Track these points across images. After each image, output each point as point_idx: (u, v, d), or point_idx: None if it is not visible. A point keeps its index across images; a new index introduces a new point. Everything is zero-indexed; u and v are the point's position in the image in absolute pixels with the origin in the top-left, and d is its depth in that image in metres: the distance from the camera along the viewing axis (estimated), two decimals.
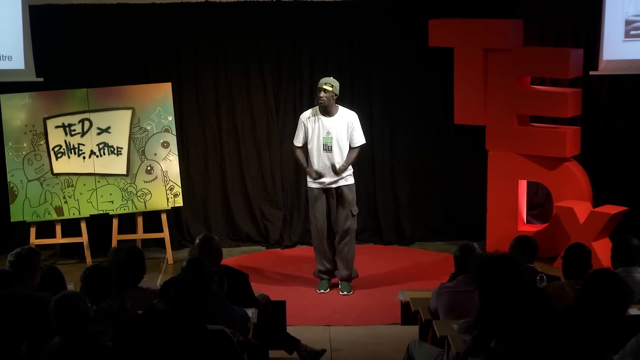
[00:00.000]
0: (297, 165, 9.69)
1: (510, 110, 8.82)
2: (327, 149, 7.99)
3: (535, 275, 5.57)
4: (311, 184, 8.11)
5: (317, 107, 8.03)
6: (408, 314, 6.58)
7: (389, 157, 9.72)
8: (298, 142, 8.16)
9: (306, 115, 8.11)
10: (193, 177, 9.66)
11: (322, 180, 8.01)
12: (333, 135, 7.98)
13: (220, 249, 6.18)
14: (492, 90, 8.84)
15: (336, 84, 7.95)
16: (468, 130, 9.41)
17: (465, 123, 9.10)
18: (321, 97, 7.90)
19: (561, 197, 8.77)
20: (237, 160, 9.70)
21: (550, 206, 9.20)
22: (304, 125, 8.07)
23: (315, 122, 8.02)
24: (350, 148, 8.03)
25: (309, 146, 8.08)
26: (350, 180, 8.10)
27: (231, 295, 5.69)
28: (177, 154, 9.10)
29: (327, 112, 7.99)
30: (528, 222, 9.27)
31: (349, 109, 8.09)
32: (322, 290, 8.24)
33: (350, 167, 8.07)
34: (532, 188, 9.44)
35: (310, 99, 9.54)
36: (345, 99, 9.15)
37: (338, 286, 8.26)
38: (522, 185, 9.06)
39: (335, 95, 7.95)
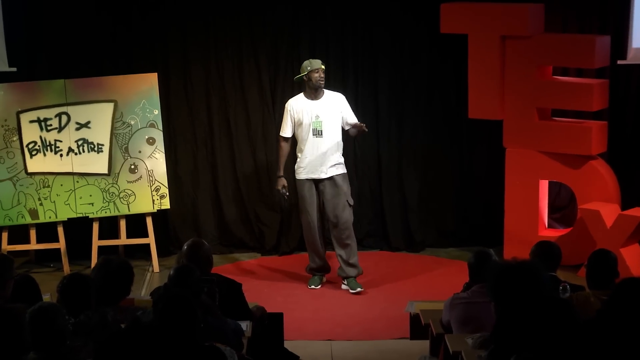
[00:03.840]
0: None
1: (530, 103, 8.83)
2: (317, 133, 8.27)
3: (558, 284, 5.57)
4: (301, 175, 8.35)
5: (302, 92, 8.38)
6: (418, 328, 6.58)
7: (397, 155, 9.72)
8: (285, 132, 8.44)
9: (292, 102, 8.42)
10: (181, 177, 9.66)
11: (316, 171, 8.27)
12: (322, 118, 8.27)
13: (210, 256, 6.19)
14: (510, 81, 8.85)
15: None
16: (483, 126, 9.40)
17: (480, 117, 9.11)
18: (322, 77, 8.27)
19: (586, 198, 8.77)
20: (229, 158, 9.70)
21: (574, 209, 9.20)
22: (290, 112, 8.35)
23: (302, 107, 8.33)
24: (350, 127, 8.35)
25: (297, 134, 8.36)
26: (342, 170, 8.38)
27: (223, 307, 5.69)
28: (163, 151, 9.11)
29: (315, 95, 8.29)
30: (550, 226, 9.27)
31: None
32: (313, 286, 8.53)
33: (341, 155, 8.35)
34: (554, 189, 9.44)
35: None
36: (349, 91, 9.17)
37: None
38: (543, 186, 9.06)
39: None
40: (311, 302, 8.31)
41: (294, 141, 8.52)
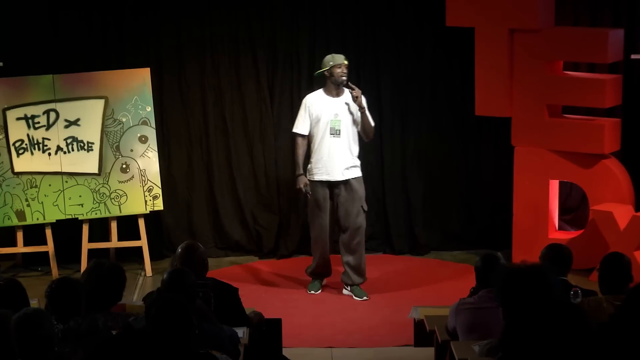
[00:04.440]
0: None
1: (539, 99, 8.82)
2: (335, 132, 8.19)
3: (569, 289, 5.57)
4: (315, 176, 8.26)
5: (322, 89, 8.28)
6: (422, 334, 6.58)
7: (400, 154, 9.72)
8: (301, 129, 8.30)
9: (310, 97, 8.33)
10: (175, 177, 9.66)
11: (332, 173, 8.20)
12: (341, 117, 8.18)
13: (206, 259, 6.18)
14: (519, 77, 8.84)
15: None
16: (491, 123, 9.40)
17: (487, 115, 9.10)
18: (345, 72, 8.20)
19: (598, 199, 8.76)
20: (225, 157, 9.70)
21: (585, 210, 9.19)
22: (309, 109, 8.24)
23: (321, 104, 8.24)
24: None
25: (313, 132, 8.27)
26: (358, 173, 8.31)
27: (219, 312, 5.69)
28: (156, 150, 9.10)
29: (336, 92, 8.21)
30: (560, 228, 9.27)
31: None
32: (313, 291, 8.51)
33: (358, 158, 8.28)
34: (565, 189, 9.43)
35: (309, 86, 9.52)
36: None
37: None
38: (554, 186, 9.06)
39: None
40: (311, 307, 8.31)
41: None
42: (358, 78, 9.53)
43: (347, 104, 8.23)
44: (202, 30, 9.52)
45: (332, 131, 8.20)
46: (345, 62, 8.22)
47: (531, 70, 8.77)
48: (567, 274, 5.94)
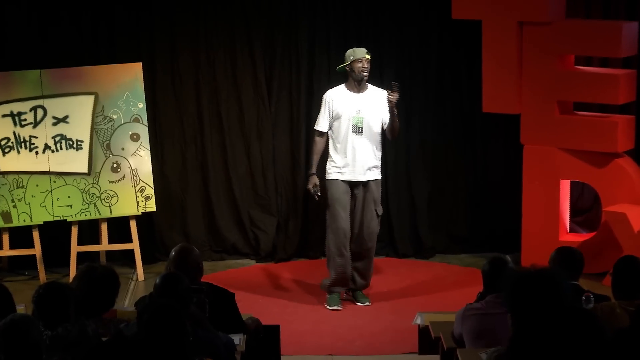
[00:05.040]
0: (294, 161, 9.71)
1: (550, 96, 8.82)
2: (357, 130, 8.12)
3: (581, 294, 5.56)
4: (335, 175, 8.17)
5: (344, 84, 8.22)
6: (427, 341, 6.58)
7: (404, 153, 9.72)
8: (322, 126, 8.25)
9: (331, 93, 8.25)
10: (168, 177, 9.66)
11: (353, 172, 8.13)
12: (364, 114, 8.11)
13: (200, 263, 6.18)
14: (528, 71, 8.84)
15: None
16: (499, 121, 9.40)
17: (495, 111, 9.10)
18: (366, 67, 8.12)
19: (611, 200, 8.77)
20: (221, 156, 9.70)
21: (598, 211, 9.20)
22: (329, 105, 8.18)
23: (343, 100, 8.17)
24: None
25: (334, 129, 8.19)
26: (379, 175, 8.26)
27: (214, 319, 5.69)
28: (149, 148, 9.10)
29: (358, 88, 8.16)
30: (571, 230, 9.27)
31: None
32: (335, 307, 8.28)
33: (380, 158, 8.24)
34: (577, 190, 9.44)
35: (309, 82, 9.56)
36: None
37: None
38: (565, 187, 9.06)
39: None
40: (310, 313, 8.31)
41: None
42: None
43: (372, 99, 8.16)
44: (196, 23, 9.52)
45: (354, 129, 8.12)
46: (367, 57, 8.13)
47: (541, 65, 8.77)
48: (579, 279, 5.93)
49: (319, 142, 8.28)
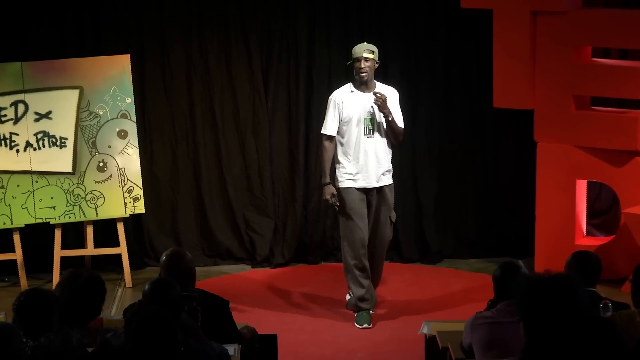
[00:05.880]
0: (293, 160, 9.72)
1: (565, 90, 8.83)
2: (369, 132, 8.02)
3: (598, 302, 5.57)
4: (348, 183, 8.06)
5: (351, 83, 8.08)
6: (434, 352, 6.58)
7: (410, 151, 9.72)
8: (330, 130, 8.09)
9: (338, 94, 8.10)
10: (158, 176, 9.67)
11: (367, 178, 8.03)
12: (375, 115, 8.02)
13: (193, 269, 6.18)
14: (542, 64, 8.85)
15: (375, 49, 8.03)
16: (511, 117, 9.41)
17: (507, 107, 9.11)
18: (362, 68, 7.94)
19: (631, 201, 8.77)
20: (214, 155, 9.71)
21: (617, 213, 9.21)
22: (338, 106, 8.05)
23: (352, 101, 8.04)
24: None
25: (343, 133, 8.05)
26: (391, 179, 8.18)
27: (207, 328, 5.70)
28: (137, 146, 9.11)
29: (366, 87, 8.04)
30: (588, 233, 9.27)
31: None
32: (365, 325, 8.13)
33: (390, 164, 8.13)
34: (594, 190, 9.44)
35: (308, 75, 9.56)
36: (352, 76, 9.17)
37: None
38: (581, 187, 9.06)
39: (377, 63, 8.03)
40: (309, 322, 8.31)
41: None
42: None
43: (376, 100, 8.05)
44: (188, 12, 9.52)
45: (366, 131, 8.01)
46: (366, 55, 7.93)
47: (556, 57, 8.77)
48: (596, 285, 5.94)
49: (328, 147, 8.11)
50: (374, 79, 8.10)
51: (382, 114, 8.00)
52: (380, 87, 8.11)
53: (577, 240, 8.96)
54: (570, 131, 8.87)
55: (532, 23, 8.80)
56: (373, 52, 7.99)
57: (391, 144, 8.17)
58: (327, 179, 8.13)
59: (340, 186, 8.09)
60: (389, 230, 8.22)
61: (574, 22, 8.71)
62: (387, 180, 8.14)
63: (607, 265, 6.29)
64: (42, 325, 5.10)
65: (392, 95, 8.10)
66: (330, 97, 8.15)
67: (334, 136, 8.11)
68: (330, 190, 8.09)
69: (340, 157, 8.10)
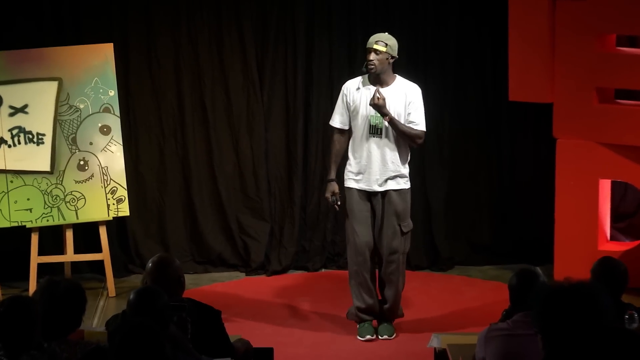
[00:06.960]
0: (290, 158, 9.74)
1: (587, 82, 8.84)
2: (375, 132, 7.91)
3: (624, 312, 5.58)
4: (350, 182, 8.01)
5: (367, 75, 7.95)
6: None
7: (418, 149, 9.70)
8: (336, 121, 8.03)
9: (349, 84, 8.02)
10: (144, 176, 9.69)
11: (368, 180, 7.94)
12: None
13: (182, 276, 6.18)
14: (562, 54, 8.86)
15: (392, 41, 7.86)
16: (528, 111, 9.42)
17: (524, 100, 9.12)
18: (371, 60, 7.81)
19: None
20: (205, 152, 9.73)
21: None
22: (346, 97, 7.98)
23: (361, 92, 7.94)
24: None
25: (353, 129, 7.97)
26: (403, 185, 8.02)
27: (197, 340, 5.70)
28: (121, 143, 9.12)
29: (379, 80, 7.91)
30: (612, 238, 9.29)
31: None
32: (367, 336, 8.11)
33: (405, 166, 8.00)
34: (619, 191, 9.45)
35: (306, 66, 9.58)
36: (357, 69, 9.15)
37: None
38: (605, 187, 9.07)
39: (392, 57, 7.86)
40: (308, 334, 8.32)
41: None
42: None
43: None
44: None
45: (372, 130, 7.89)
46: (375, 47, 7.78)
47: (577, 46, 8.78)
48: (622, 294, 5.95)
49: (337, 141, 8.07)
50: (395, 73, 7.94)
51: (406, 111, 7.91)
52: (401, 83, 7.95)
53: (600, 245, 8.97)
54: (592, 127, 8.88)
55: (551, 9, 8.81)
56: (386, 45, 7.80)
57: (408, 147, 8.03)
58: (331, 175, 8.09)
59: (344, 185, 8.06)
60: (398, 241, 8.00)
61: (596, 8, 8.71)
62: (395, 185, 7.98)
63: (633, 273, 6.29)
64: (24, 340, 5.06)
65: (412, 93, 7.95)
66: (343, 86, 8.05)
67: (344, 129, 8.03)
68: (331, 187, 8.06)
69: (349, 153, 8.05)
